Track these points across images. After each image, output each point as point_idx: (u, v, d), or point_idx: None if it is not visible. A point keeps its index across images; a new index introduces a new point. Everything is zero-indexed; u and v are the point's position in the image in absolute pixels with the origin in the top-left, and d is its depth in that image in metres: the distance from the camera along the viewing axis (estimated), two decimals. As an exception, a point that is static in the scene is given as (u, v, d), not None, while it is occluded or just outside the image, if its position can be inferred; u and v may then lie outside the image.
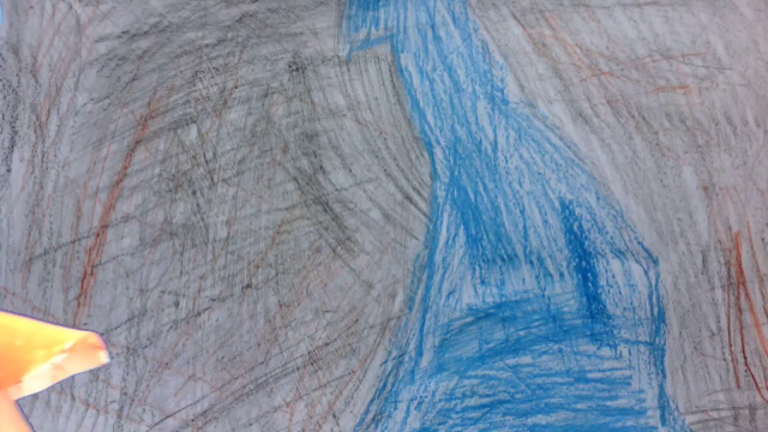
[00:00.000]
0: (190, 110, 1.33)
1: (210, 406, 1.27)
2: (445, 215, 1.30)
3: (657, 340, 1.26)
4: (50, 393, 1.28)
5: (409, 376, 1.27)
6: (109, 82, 1.34)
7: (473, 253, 1.28)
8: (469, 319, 1.28)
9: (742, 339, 1.24)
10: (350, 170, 1.31)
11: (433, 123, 1.31)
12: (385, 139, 1.32)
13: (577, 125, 1.30)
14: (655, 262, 1.27)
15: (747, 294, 1.25)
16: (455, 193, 1.30)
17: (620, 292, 1.27)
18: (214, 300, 1.29)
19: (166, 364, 1.28)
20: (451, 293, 1.28)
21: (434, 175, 1.31)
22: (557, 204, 1.29)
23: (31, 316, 1.29)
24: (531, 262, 1.28)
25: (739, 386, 1.24)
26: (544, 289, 1.27)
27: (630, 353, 1.26)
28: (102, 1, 1.36)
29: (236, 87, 1.34)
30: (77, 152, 1.33)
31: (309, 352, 1.28)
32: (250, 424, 1.27)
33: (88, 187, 1.32)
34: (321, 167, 1.32)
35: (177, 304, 1.29)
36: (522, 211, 1.29)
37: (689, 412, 1.24)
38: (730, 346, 1.25)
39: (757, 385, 1.24)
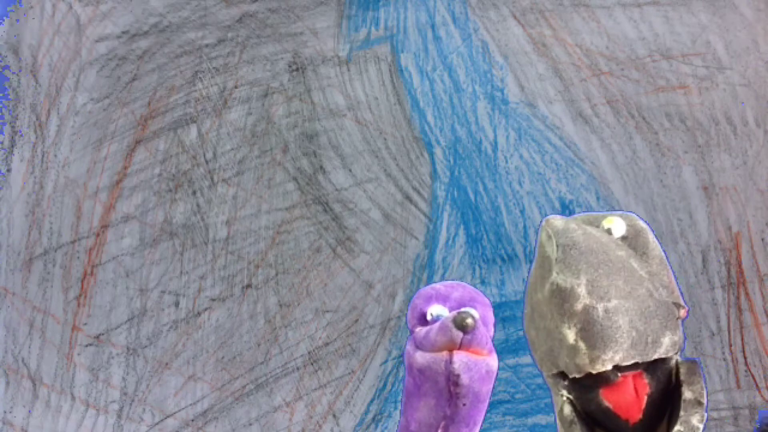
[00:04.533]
0: (190, 110, 1.33)
1: (210, 406, 1.27)
2: (445, 215, 1.30)
3: (657, 340, 1.26)
4: (50, 393, 1.28)
5: (409, 376, 1.27)
6: (109, 82, 1.34)
7: (473, 253, 1.28)
8: (469, 319, 1.28)
9: (742, 339, 1.24)
10: (350, 170, 1.31)
11: (433, 123, 1.31)
12: (385, 139, 1.32)
13: (577, 125, 1.30)
14: (655, 262, 1.27)
15: (747, 294, 1.25)
16: (455, 193, 1.30)
17: (620, 292, 1.27)
18: (214, 300, 1.29)
19: (166, 364, 1.28)
20: (451, 293, 1.28)
21: (434, 175, 1.31)
22: (557, 204, 1.29)
23: (31, 316, 1.30)
24: (531, 262, 1.28)
25: (739, 386, 1.24)
26: (544, 289, 1.27)
27: (630, 353, 1.26)
28: (102, 1, 1.36)
29: (236, 87, 1.34)
30: (77, 152, 1.33)
31: (309, 352, 1.28)
32: (250, 424, 1.27)
33: (88, 187, 1.32)
34: (321, 167, 1.32)
35: (177, 304, 1.29)
36: (522, 211, 1.29)
37: (689, 412, 1.24)
38: (730, 346, 1.25)
39: (757, 385, 1.24)
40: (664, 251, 0.64)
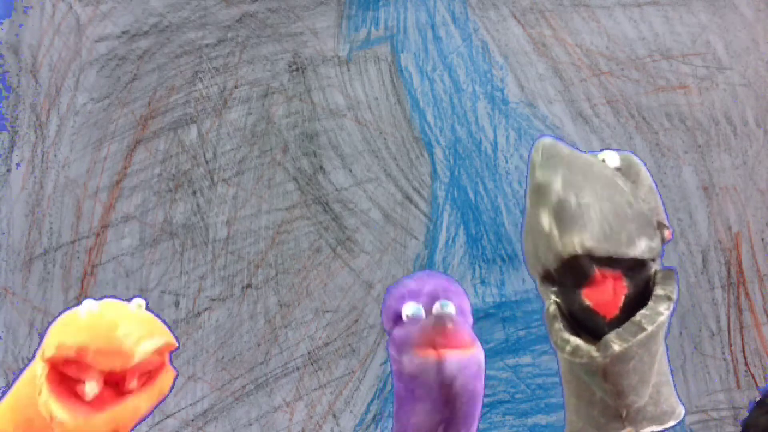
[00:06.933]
0: (190, 110, 1.33)
1: (210, 406, 1.27)
2: (445, 215, 1.30)
3: (657, 340, 1.26)
4: (50, 393, 1.28)
5: (409, 376, 1.27)
6: (109, 82, 1.34)
7: (473, 253, 1.28)
8: (469, 319, 1.28)
9: (742, 339, 1.24)
10: (350, 170, 1.31)
11: (433, 123, 1.31)
12: (385, 139, 1.32)
13: (577, 125, 1.30)
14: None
15: (747, 294, 1.25)
16: (455, 193, 1.30)
17: (620, 292, 1.27)
18: (214, 300, 1.29)
19: (166, 364, 1.28)
20: (451, 293, 1.28)
21: (434, 175, 1.31)
22: (557, 204, 1.28)
23: (31, 316, 1.30)
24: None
25: (739, 386, 1.24)
26: (544, 289, 1.27)
27: (630, 353, 1.25)
28: (102, 1, 1.36)
29: (236, 87, 1.34)
30: (77, 152, 1.33)
31: (309, 352, 1.28)
32: (250, 424, 1.27)
33: (88, 187, 1.32)
34: (321, 167, 1.32)
35: (177, 304, 1.29)
36: (522, 211, 1.28)
37: (689, 412, 1.24)
38: (730, 346, 1.25)
39: (757, 385, 1.24)
40: (658, 191, 0.68)
